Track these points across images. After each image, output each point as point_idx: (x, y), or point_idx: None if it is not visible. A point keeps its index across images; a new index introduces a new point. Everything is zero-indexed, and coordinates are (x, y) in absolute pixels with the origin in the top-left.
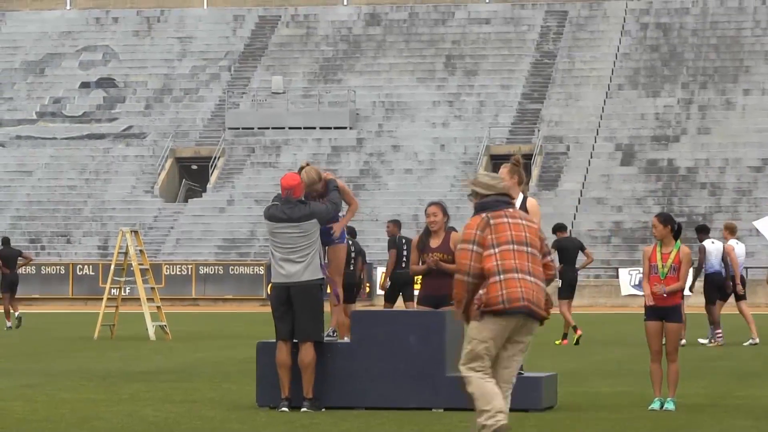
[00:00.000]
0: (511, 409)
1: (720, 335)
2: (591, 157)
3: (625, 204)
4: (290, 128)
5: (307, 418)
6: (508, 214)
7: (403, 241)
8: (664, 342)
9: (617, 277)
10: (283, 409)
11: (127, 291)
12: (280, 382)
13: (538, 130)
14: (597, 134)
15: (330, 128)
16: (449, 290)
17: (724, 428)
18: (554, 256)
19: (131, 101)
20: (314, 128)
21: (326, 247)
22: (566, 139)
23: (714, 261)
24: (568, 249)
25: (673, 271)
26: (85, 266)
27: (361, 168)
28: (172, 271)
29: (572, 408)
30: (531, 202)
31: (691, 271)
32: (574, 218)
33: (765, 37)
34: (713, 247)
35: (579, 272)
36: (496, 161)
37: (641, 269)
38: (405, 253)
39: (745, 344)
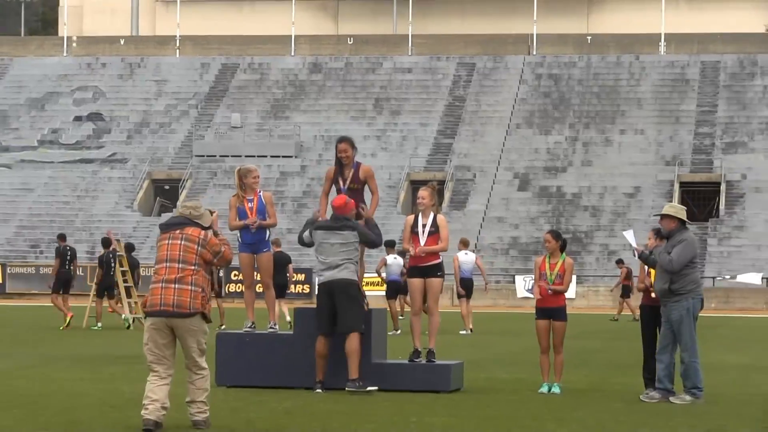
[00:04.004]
0: (424, 391)
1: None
2: (494, 184)
3: (521, 222)
4: (246, 156)
5: (259, 395)
6: (173, 236)
7: None
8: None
9: (514, 282)
10: (318, 390)
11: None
12: (317, 368)
13: (450, 161)
14: (499, 165)
15: (279, 157)
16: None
17: (601, 409)
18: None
19: (116, 132)
20: (266, 156)
21: (255, 255)
22: (473, 169)
23: (391, 271)
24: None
25: (558, 277)
26: (77, 268)
27: (304, 190)
28: (148, 272)
29: (476, 391)
30: (440, 218)
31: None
32: (479, 234)
33: (638, 86)
34: (393, 260)
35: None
36: (415, 185)
37: (533, 276)
38: None
39: (461, 332)
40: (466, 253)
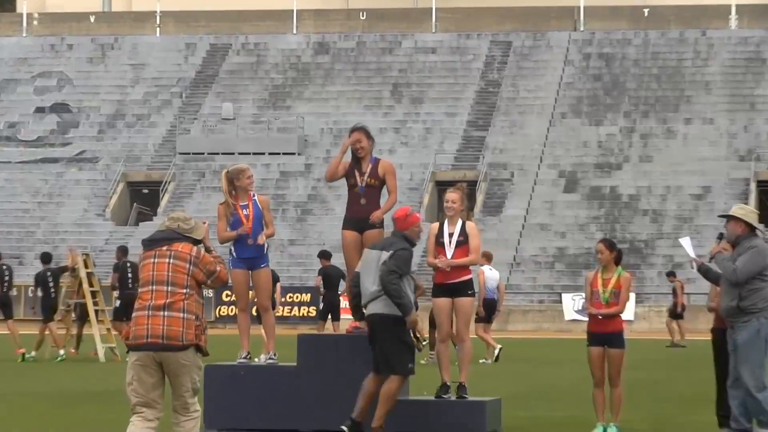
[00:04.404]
0: None
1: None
2: (535, 184)
3: (568, 230)
4: (240, 153)
5: None
6: (159, 253)
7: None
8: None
9: (561, 302)
10: (343, 427)
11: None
12: (356, 405)
13: (483, 157)
14: (541, 161)
15: (279, 154)
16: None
17: None
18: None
19: (84, 126)
20: (263, 154)
21: (251, 272)
22: (510, 166)
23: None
24: (331, 276)
25: (614, 296)
26: (37, 288)
27: (309, 193)
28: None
29: None
30: (470, 225)
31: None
32: (519, 243)
33: (705, 67)
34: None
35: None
36: (441, 187)
37: (584, 294)
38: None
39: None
40: (490, 269)
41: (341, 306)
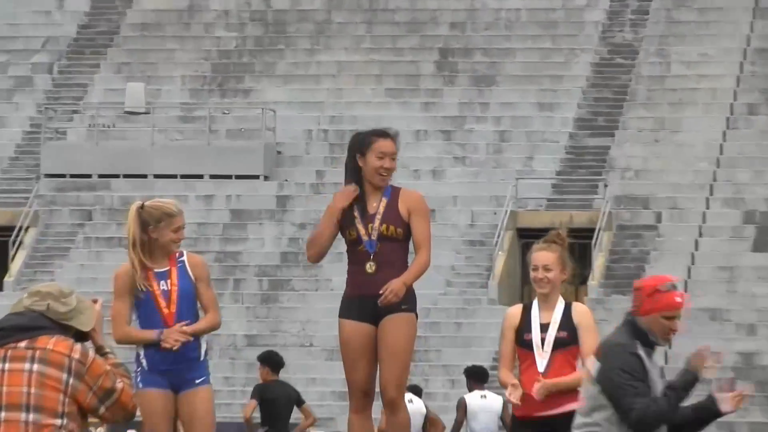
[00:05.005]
0: None
1: None
2: (700, 235)
3: (761, 321)
4: (157, 177)
5: None
6: (13, 356)
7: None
8: None
9: None
10: None
11: None
12: None
13: (605, 186)
14: (711, 193)
15: (229, 178)
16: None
17: None
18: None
19: None
20: (200, 177)
21: (177, 395)
22: (656, 202)
23: (479, 424)
24: (276, 400)
25: None
26: None
27: (284, 250)
28: None
29: None
30: (580, 310)
31: None
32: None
33: None
34: (482, 403)
35: None
36: (526, 240)
37: None
38: None
39: None
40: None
41: None
